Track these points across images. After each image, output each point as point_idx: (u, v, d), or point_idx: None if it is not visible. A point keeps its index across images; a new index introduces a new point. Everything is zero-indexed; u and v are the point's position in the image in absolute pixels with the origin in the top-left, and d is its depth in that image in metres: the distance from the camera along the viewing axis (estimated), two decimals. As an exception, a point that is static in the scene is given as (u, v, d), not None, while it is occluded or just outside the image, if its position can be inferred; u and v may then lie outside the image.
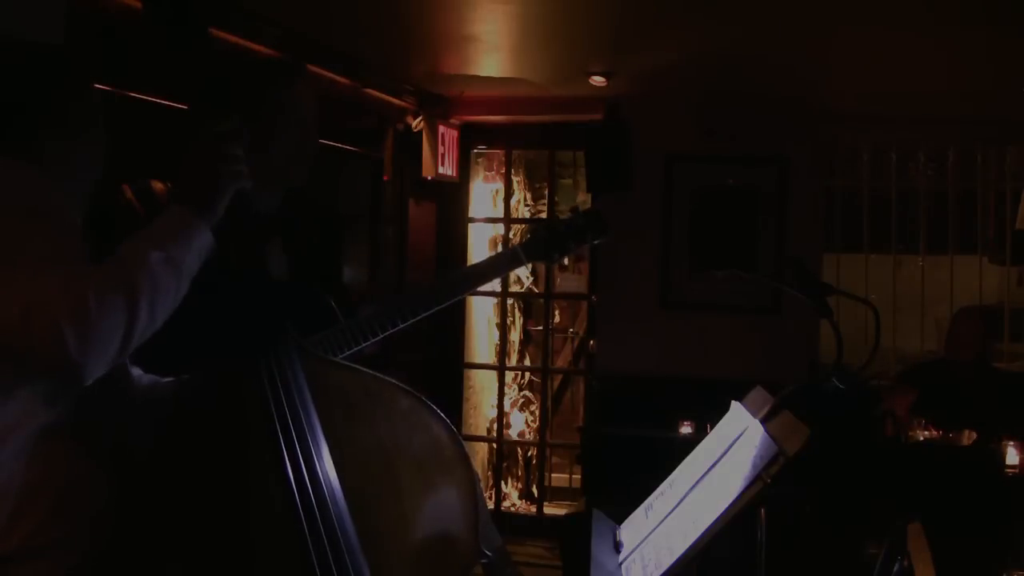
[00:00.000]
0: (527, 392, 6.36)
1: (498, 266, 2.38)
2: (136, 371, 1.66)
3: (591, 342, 5.75)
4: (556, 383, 6.51)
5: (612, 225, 2.29)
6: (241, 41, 3.54)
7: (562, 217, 2.31)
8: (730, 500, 1.76)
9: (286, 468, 1.49)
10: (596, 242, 2.28)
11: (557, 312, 6.45)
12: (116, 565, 1.49)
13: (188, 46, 1.57)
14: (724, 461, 1.93)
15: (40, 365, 1.41)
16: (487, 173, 6.20)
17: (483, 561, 1.66)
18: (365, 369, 1.65)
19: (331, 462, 1.53)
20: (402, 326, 2.03)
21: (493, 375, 6.08)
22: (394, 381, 1.63)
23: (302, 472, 1.49)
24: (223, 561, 1.50)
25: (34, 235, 1.43)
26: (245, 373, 1.53)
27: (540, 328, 6.12)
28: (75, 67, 1.65)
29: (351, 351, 1.97)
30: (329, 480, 1.51)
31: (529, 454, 6.32)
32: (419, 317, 2.04)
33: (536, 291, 6.24)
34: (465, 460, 1.66)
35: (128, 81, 3.21)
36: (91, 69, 1.68)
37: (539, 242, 2.24)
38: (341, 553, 1.47)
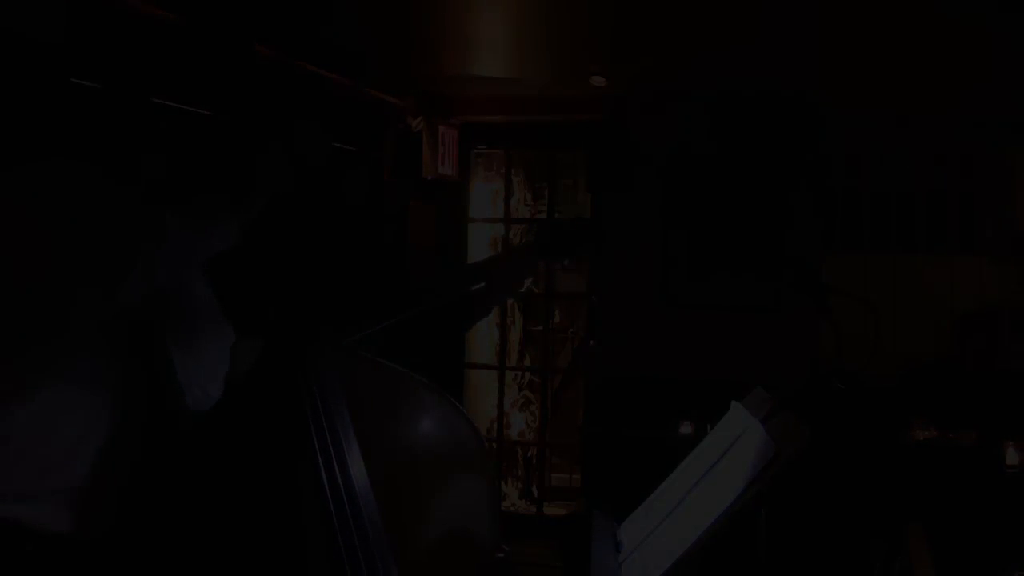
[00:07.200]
0: (527, 392, 6.36)
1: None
2: None
3: (591, 342, 5.75)
4: (556, 383, 6.51)
5: (612, 225, 2.32)
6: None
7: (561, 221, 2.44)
8: (730, 500, 1.77)
9: (318, 464, 1.47)
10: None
11: (557, 312, 6.45)
12: (143, 556, 1.49)
13: (231, 59, 1.59)
14: (724, 461, 1.93)
15: None
16: (487, 173, 6.20)
17: (499, 556, 1.66)
18: (390, 364, 1.64)
19: (360, 459, 1.51)
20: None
21: (493, 375, 6.08)
22: (418, 377, 1.62)
23: (334, 469, 1.47)
24: (249, 555, 1.50)
25: None
26: (276, 366, 1.53)
27: (540, 328, 6.11)
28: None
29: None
30: (360, 477, 1.49)
31: (529, 454, 6.32)
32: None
33: (536, 291, 6.24)
34: (486, 457, 1.67)
35: (130, 82, 3.21)
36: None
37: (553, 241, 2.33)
38: (371, 551, 1.46)
